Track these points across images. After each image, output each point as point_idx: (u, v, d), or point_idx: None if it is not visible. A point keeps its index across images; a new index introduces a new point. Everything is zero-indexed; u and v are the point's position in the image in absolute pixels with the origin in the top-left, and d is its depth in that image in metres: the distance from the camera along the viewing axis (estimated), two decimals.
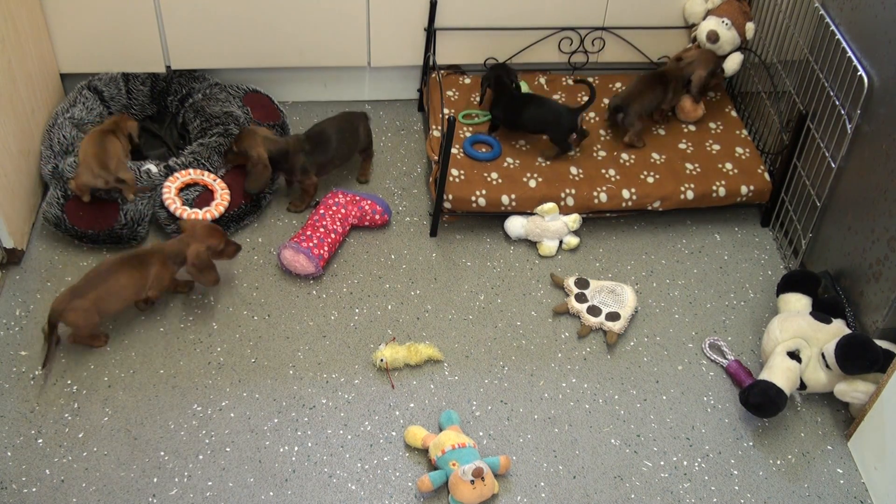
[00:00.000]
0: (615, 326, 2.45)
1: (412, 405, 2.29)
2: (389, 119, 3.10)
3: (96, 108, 2.82)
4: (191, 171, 2.66)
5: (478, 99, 2.96)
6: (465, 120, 2.87)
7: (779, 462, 2.24)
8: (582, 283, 2.56)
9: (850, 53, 2.39)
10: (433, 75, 2.96)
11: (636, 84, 2.85)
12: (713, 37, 2.91)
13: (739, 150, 2.84)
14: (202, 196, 2.62)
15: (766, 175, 2.76)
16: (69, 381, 2.28)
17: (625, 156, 2.80)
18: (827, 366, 2.25)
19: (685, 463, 2.21)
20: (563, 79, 3.07)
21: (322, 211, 2.63)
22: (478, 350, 2.42)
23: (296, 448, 2.18)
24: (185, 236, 2.36)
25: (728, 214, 2.85)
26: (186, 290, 2.49)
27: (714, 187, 2.71)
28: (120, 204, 2.55)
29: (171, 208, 2.56)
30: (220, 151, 2.73)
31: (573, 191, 2.68)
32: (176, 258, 2.34)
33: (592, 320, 2.47)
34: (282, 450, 2.17)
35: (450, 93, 2.99)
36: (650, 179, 2.73)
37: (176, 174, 2.64)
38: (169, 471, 2.12)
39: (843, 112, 2.43)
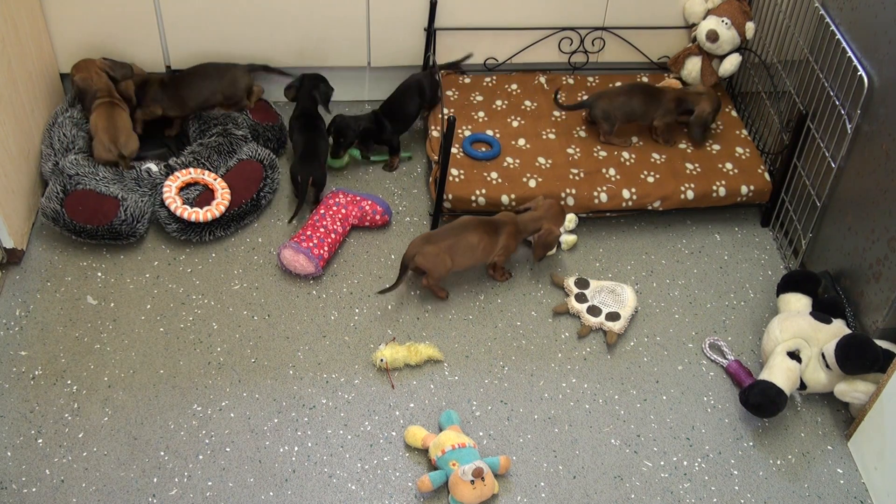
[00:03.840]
0: (615, 326, 2.45)
1: (412, 405, 2.29)
2: None
3: None
4: (191, 170, 2.66)
5: (478, 98, 2.96)
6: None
7: (779, 462, 2.24)
8: (582, 283, 2.56)
9: (850, 53, 2.39)
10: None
11: (617, 87, 2.85)
12: (713, 36, 2.91)
13: (739, 150, 2.84)
14: (203, 195, 2.63)
15: (766, 175, 2.76)
16: (69, 381, 2.28)
17: (625, 155, 2.80)
18: (827, 366, 2.25)
19: (685, 463, 2.22)
20: (563, 78, 3.07)
21: (322, 211, 2.63)
22: (478, 350, 2.42)
23: (296, 448, 2.18)
24: (539, 214, 2.50)
25: (728, 214, 2.85)
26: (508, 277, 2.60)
27: (714, 187, 2.71)
28: (120, 200, 2.55)
29: (172, 207, 2.56)
30: (219, 151, 2.73)
31: (573, 191, 2.68)
32: (525, 233, 2.50)
33: (592, 320, 2.47)
34: (282, 450, 2.18)
35: (450, 93, 2.99)
36: (650, 179, 2.73)
37: (176, 173, 2.64)
38: (169, 471, 2.12)
39: (843, 112, 2.43)
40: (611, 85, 3.05)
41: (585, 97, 2.99)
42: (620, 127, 2.82)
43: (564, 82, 3.06)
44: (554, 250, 2.67)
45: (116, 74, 2.75)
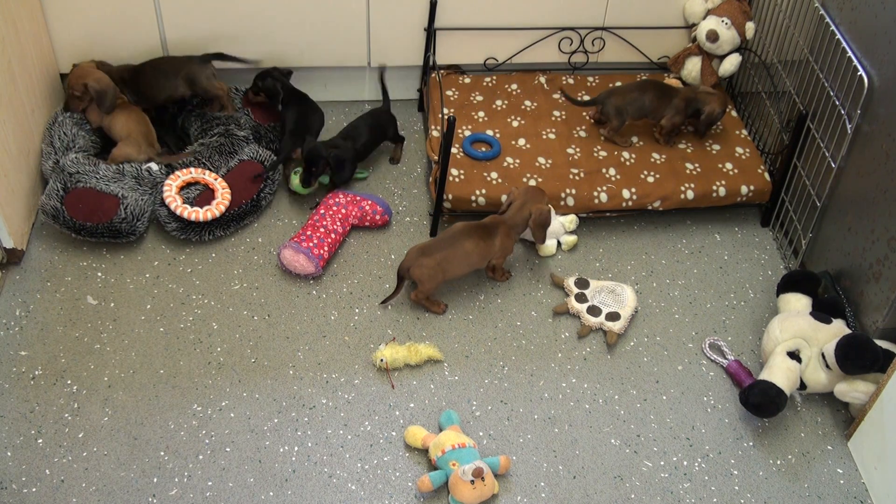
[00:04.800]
0: (615, 326, 2.45)
1: (412, 405, 2.29)
2: None
3: None
4: (192, 169, 2.66)
5: (478, 98, 2.96)
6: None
7: (779, 462, 2.24)
8: (582, 283, 2.56)
9: (850, 53, 2.39)
10: (433, 75, 2.96)
11: (629, 83, 2.85)
12: (713, 36, 2.91)
13: (739, 150, 2.84)
14: (203, 195, 2.63)
15: (766, 175, 2.76)
16: (69, 381, 2.28)
17: (626, 155, 2.80)
18: (827, 366, 2.25)
19: (685, 463, 2.22)
20: (563, 78, 3.07)
21: (322, 211, 2.63)
22: (478, 350, 2.42)
23: (296, 448, 2.18)
24: (520, 202, 2.49)
25: (728, 214, 2.85)
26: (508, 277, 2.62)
27: (714, 187, 2.71)
28: (120, 198, 2.55)
29: (172, 206, 2.56)
30: (221, 151, 2.73)
31: (573, 190, 2.68)
32: (517, 227, 2.49)
33: (592, 320, 2.47)
34: (282, 450, 2.18)
35: (449, 93, 2.99)
36: (650, 179, 2.73)
37: (177, 172, 2.64)
38: (169, 471, 2.12)
39: (843, 112, 2.43)
40: (611, 84, 3.05)
41: (586, 97, 3.00)
42: (630, 124, 2.82)
43: (564, 82, 3.06)
44: (554, 251, 2.67)
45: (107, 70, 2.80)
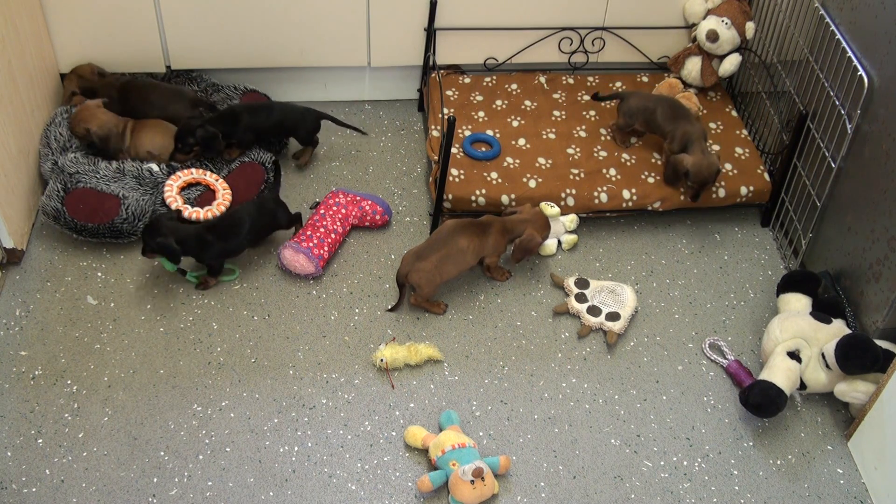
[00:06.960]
0: (615, 326, 2.45)
1: (412, 405, 2.29)
2: (389, 119, 3.10)
3: None
4: (193, 170, 2.66)
5: (478, 98, 2.96)
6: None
7: (779, 462, 2.24)
8: (582, 283, 2.56)
9: (850, 53, 2.39)
10: (433, 75, 2.96)
11: (652, 94, 2.84)
12: (713, 36, 2.91)
13: (739, 150, 2.84)
14: (204, 195, 2.63)
15: (766, 175, 2.76)
16: (69, 381, 2.28)
17: (625, 156, 2.80)
18: (827, 366, 2.25)
19: (685, 463, 2.22)
20: (563, 78, 3.07)
21: (322, 211, 2.63)
22: (478, 350, 2.42)
23: (296, 448, 2.18)
24: (525, 217, 2.50)
25: (728, 214, 2.85)
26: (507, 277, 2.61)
27: (714, 187, 2.71)
28: (121, 198, 2.55)
29: (173, 207, 2.56)
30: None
31: (573, 191, 2.68)
32: (511, 233, 2.49)
33: (592, 320, 2.47)
34: (282, 450, 2.18)
35: (449, 93, 2.99)
36: (650, 179, 2.73)
37: (178, 173, 2.65)
38: (169, 471, 2.12)
39: (843, 112, 2.43)
40: (614, 85, 3.05)
41: (585, 97, 3.00)
42: (639, 129, 2.81)
43: (564, 82, 3.06)
44: (554, 250, 2.67)
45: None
